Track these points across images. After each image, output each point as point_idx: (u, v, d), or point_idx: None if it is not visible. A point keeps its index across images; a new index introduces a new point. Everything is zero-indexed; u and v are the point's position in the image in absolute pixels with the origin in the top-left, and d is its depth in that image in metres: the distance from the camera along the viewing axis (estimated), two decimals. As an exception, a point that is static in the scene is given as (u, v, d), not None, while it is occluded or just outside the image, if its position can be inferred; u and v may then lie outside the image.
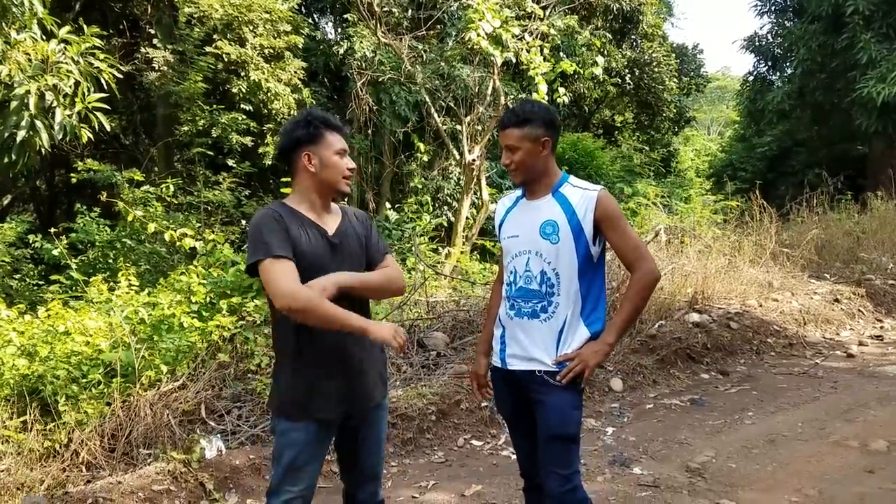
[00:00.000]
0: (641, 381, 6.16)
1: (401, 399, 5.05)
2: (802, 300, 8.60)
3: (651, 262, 2.63)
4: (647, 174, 16.99)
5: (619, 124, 22.65)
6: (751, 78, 20.79)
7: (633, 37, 19.94)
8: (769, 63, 20.11)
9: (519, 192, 2.80)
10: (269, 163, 11.94)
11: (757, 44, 19.73)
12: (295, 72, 12.29)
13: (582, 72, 11.11)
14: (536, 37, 9.53)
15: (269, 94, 11.72)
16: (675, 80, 20.56)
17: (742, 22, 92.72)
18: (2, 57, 5.27)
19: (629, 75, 18.95)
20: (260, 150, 11.90)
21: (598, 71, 10.13)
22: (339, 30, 15.54)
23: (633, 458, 4.66)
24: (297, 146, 2.54)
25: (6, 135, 5.27)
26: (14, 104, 5.13)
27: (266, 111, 11.97)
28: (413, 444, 4.84)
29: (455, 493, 4.20)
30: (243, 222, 11.04)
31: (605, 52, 14.96)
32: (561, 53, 12.91)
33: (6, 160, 5.31)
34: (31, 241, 8.46)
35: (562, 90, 9.52)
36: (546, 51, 9.33)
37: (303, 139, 2.53)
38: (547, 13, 10.13)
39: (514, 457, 4.68)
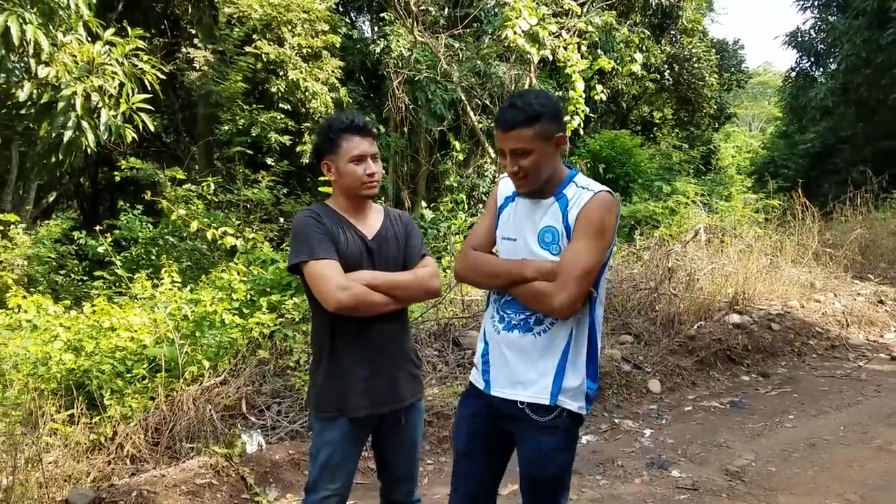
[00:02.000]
0: (680, 383, 6.09)
1: (437, 397, 5.07)
2: (846, 301, 8.42)
3: (568, 299, 2.13)
4: (686, 172, 16.72)
5: (657, 121, 22.36)
6: (793, 74, 20.42)
7: (672, 32, 19.66)
8: (812, 59, 19.73)
9: (511, 188, 2.40)
10: (307, 161, 12.05)
11: (799, 39, 19.37)
12: (332, 71, 12.38)
13: (620, 68, 11.00)
14: (574, 34, 9.46)
15: (306, 93, 11.82)
16: (715, 75, 20.22)
17: (784, 17, 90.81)
18: (49, 59, 5.41)
19: (668, 71, 18.69)
20: (298, 149, 12.02)
21: (636, 68, 10.03)
22: (376, 28, 15.62)
23: (672, 461, 4.61)
24: (319, 155, 2.62)
25: (53, 135, 5.41)
26: (61, 105, 5.26)
27: (304, 110, 12.08)
28: (449, 442, 4.85)
29: (491, 492, 4.19)
30: (281, 220, 11.18)
31: (644, 48, 14.78)
32: (599, 50, 12.78)
33: (53, 159, 5.46)
34: (75, 238, 8.68)
35: (599, 87, 9.45)
36: (583, 48, 9.27)
37: (322, 149, 2.59)
38: (584, 10, 10.05)
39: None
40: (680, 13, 18.73)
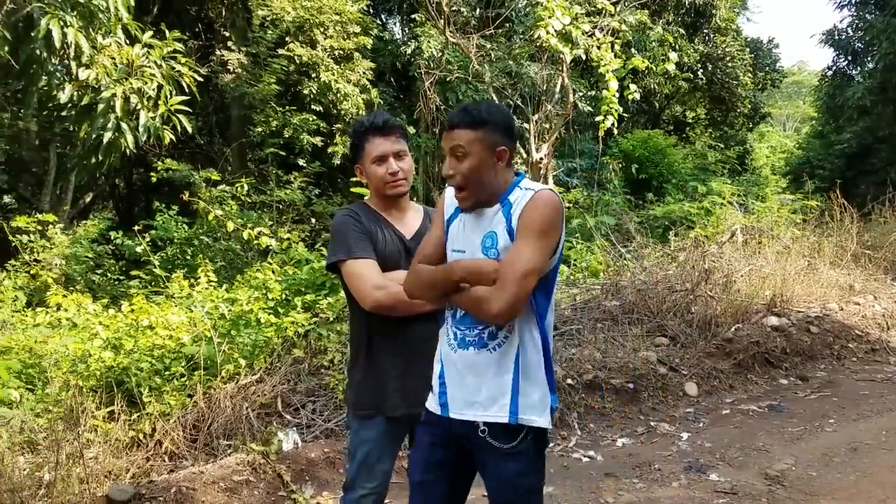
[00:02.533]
0: (717, 386, 6.00)
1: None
2: (886, 304, 8.23)
3: (506, 302, 1.99)
4: (721, 172, 16.51)
5: (690, 120, 22.12)
6: (829, 73, 20.10)
7: (705, 31, 19.44)
8: (849, 57, 19.38)
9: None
10: (338, 162, 12.13)
11: (836, 37, 19.04)
12: (364, 72, 12.44)
13: (654, 67, 10.90)
14: (607, 33, 9.39)
15: (338, 94, 11.89)
16: (749, 75, 19.95)
17: (820, 15, 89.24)
18: (89, 61, 5.50)
19: (701, 70, 18.48)
20: (329, 150, 12.09)
21: (671, 67, 9.93)
22: (406, 30, 15.66)
23: (710, 465, 4.56)
24: (352, 161, 2.67)
25: (93, 136, 5.51)
26: (101, 107, 5.36)
27: (335, 111, 12.16)
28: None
29: (526, 494, 4.17)
30: (313, 220, 11.27)
31: (677, 46, 14.64)
32: (632, 49, 12.69)
33: (93, 160, 5.56)
34: (112, 238, 8.83)
35: (633, 86, 9.36)
36: (617, 47, 9.20)
37: (351, 154, 2.64)
38: (618, 9, 9.97)
39: (585, 459, 4.68)
40: (713, 12, 18.52)
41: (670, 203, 11.76)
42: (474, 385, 2.12)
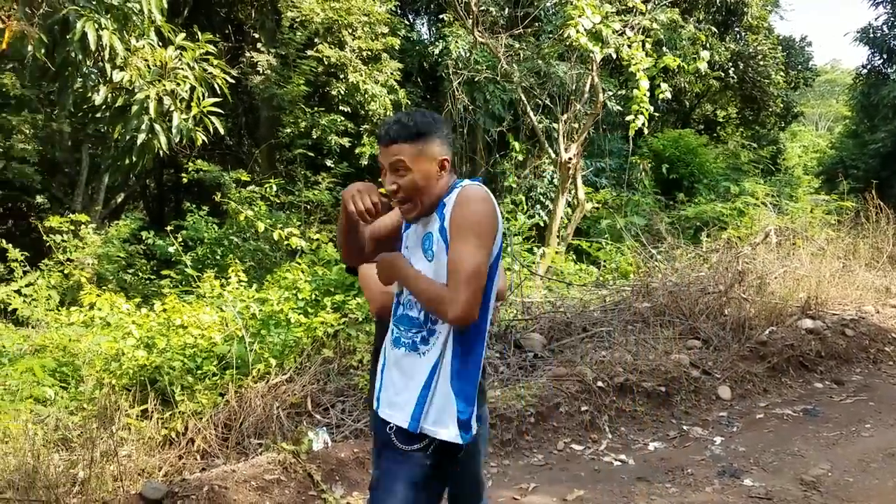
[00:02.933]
0: (751, 390, 5.90)
1: (499, 399, 5.03)
2: (924, 307, 8.05)
3: (462, 307, 1.96)
4: (753, 172, 16.28)
5: (721, 119, 21.86)
6: (864, 71, 19.74)
7: (736, 29, 19.19)
8: (884, 55, 19.06)
9: None
10: (366, 163, 12.17)
11: (871, 35, 18.74)
12: (391, 73, 12.47)
13: (686, 66, 10.77)
14: (638, 32, 9.31)
15: (366, 95, 11.93)
16: (781, 73, 19.65)
17: (854, 13, 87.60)
18: (123, 63, 5.57)
19: (733, 69, 18.24)
20: (357, 151, 12.14)
21: (702, 66, 9.79)
22: (434, 30, 15.67)
23: (744, 470, 4.48)
24: None
25: (127, 137, 5.57)
26: (135, 108, 5.42)
27: (363, 112, 12.20)
28: (512, 445, 4.81)
29: (557, 497, 4.14)
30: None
31: (708, 45, 14.48)
32: (663, 48, 12.57)
33: (127, 161, 5.62)
34: (143, 238, 8.95)
35: (664, 85, 9.26)
36: (648, 45, 9.10)
37: None
38: (648, 7, 9.87)
39: (616, 463, 4.63)
40: (745, 10, 18.27)
41: (702, 203, 11.63)
42: (398, 386, 2.13)
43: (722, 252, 7.60)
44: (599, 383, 5.28)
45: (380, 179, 2.20)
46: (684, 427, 5.19)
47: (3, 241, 7.55)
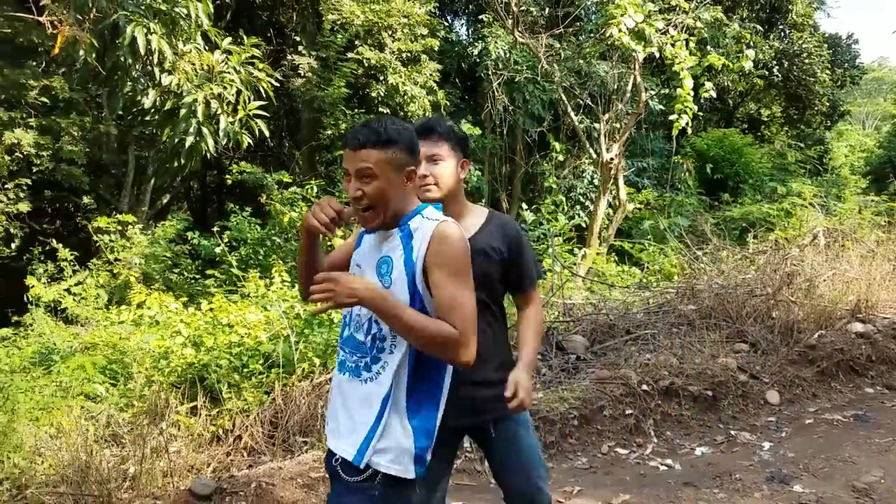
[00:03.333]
0: (800, 395, 5.78)
1: (542, 402, 5.00)
2: (979, 310, 7.78)
3: (471, 349, 1.98)
4: (799, 172, 15.94)
5: (765, 118, 21.46)
6: (915, 68, 19.13)
7: (781, 27, 18.82)
8: (936, 51, 18.44)
9: None
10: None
11: (922, 31, 18.15)
12: (430, 74, 12.49)
13: (730, 65, 10.60)
14: (681, 30, 9.19)
15: (405, 96, 11.97)
16: (827, 71, 19.21)
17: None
18: (171, 67, 5.67)
19: (777, 67, 17.89)
20: (395, 152, 12.17)
21: (748, 64, 9.61)
22: (473, 30, 15.66)
23: (793, 476, 4.39)
24: None
25: (175, 140, 5.67)
26: (183, 112, 5.52)
27: (402, 113, 12.24)
28: (556, 448, 4.78)
29: (601, 501, 4.10)
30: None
31: (753, 43, 14.23)
32: (707, 47, 12.38)
33: (175, 164, 5.72)
34: (188, 238, 9.10)
35: (708, 84, 9.12)
36: (691, 44, 8.98)
37: None
38: (692, 5, 9.73)
39: (662, 468, 4.56)
40: (790, 7, 17.92)
41: (747, 204, 11.41)
42: (345, 416, 2.03)
43: (769, 254, 7.45)
44: (644, 386, 5.22)
45: (340, 188, 2.22)
46: (732, 432, 5.10)
47: (53, 240, 7.75)
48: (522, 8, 11.66)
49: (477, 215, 2.52)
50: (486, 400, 2.48)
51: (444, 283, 1.96)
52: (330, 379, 4.82)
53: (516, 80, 12.64)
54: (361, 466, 1.97)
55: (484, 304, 2.44)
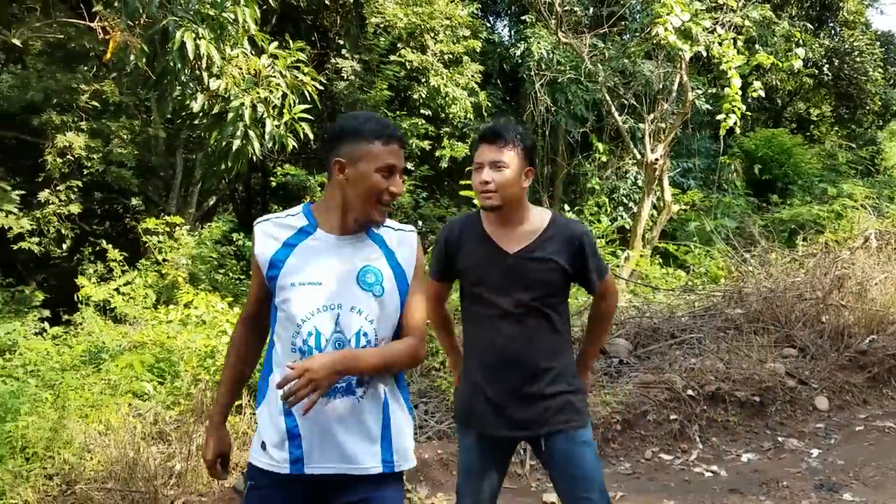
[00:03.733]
0: (850, 401, 5.63)
1: (585, 405, 4.96)
2: None
3: (424, 347, 2.07)
4: (850, 173, 15.52)
5: (815, 118, 20.95)
6: (971, 65, 18.50)
7: (831, 25, 18.35)
8: None
9: (300, 222, 2.03)
10: (445, 166, 12.23)
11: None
12: (472, 76, 12.48)
13: (779, 64, 10.36)
14: (729, 29, 9.02)
15: (447, 98, 11.98)
16: (879, 70, 18.64)
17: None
18: (219, 72, 5.77)
19: (827, 66, 17.43)
20: (437, 154, 12.21)
21: (797, 63, 9.39)
22: (515, 31, 15.61)
23: (843, 484, 4.29)
24: None
25: (223, 143, 5.77)
26: (231, 116, 5.61)
27: (443, 115, 12.26)
28: (598, 452, 4.72)
29: (645, 507, 4.06)
30: (420, 223, 11.43)
31: (802, 41, 13.91)
32: (755, 45, 12.13)
33: (223, 166, 5.82)
34: (234, 239, 9.25)
35: (756, 83, 8.94)
36: (739, 43, 8.81)
37: None
38: (740, 4, 9.55)
39: (707, 474, 4.49)
40: (841, 4, 17.45)
41: (797, 205, 11.15)
42: (346, 436, 1.93)
43: (819, 256, 7.25)
44: (689, 391, 5.14)
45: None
46: (779, 438, 5.00)
47: (103, 241, 7.95)
48: (566, 8, 11.58)
49: (538, 221, 2.48)
50: (539, 414, 2.43)
51: (416, 289, 2.05)
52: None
53: (559, 80, 12.55)
54: (392, 472, 1.98)
55: (537, 311, 2.42)
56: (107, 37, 5.45)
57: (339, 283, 1.95)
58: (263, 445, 1.97)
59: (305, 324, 1.92)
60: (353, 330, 1.94)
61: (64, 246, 9.41)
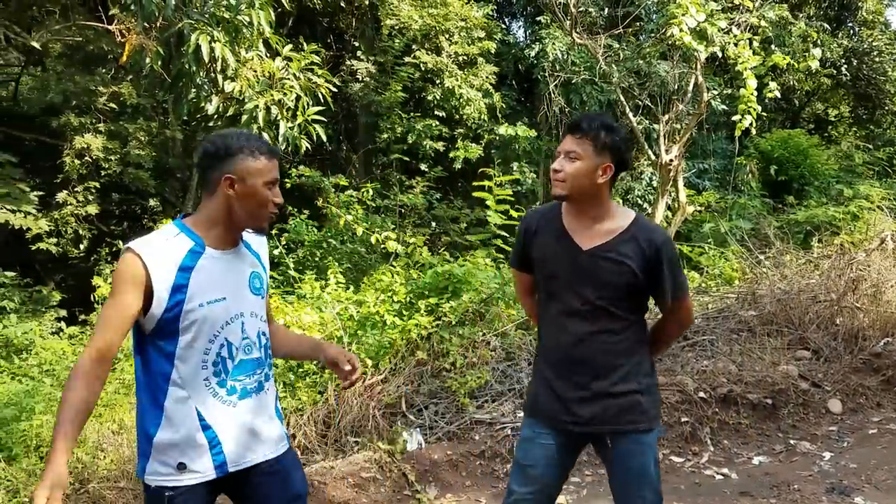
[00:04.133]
0: (863, 404, 5.57)
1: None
2: None
3: None
4: (868, 174, 15.35)
5: (832, 119, 20.75)
6: None
7: (849, 24, 18.17)
8: None
9: (186, 243, 2.06)
10: (459, 166, 12.25)
11: None
12: (487, 77, 12.50)
13: (796, 64, 10.28)
14: (745, 29, 8.97)
15: (461, 99, 12.00)
16: (899, 70, 18.45)
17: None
18: (234, 74, 5.83)
19: (845, 66, 17.26)
20: (451, 155, 12.23)
21: (814, 64, 9.31)
22: (530, 32, 15.60)
23: (855, 487, 4.24)
24: None
25: (237, 145, 5.81)
26: (245, 118, 5.67)
27: (458, 116, 12.28)
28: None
29: (655, 509, 4.04)
30: (433, 224, 11.46)
31: (820, 41, 13.79)
32: (772, 46, 12.04)
33: (236, 168, 5.86)
34: (249, 240, 9.31)
35: (772, 84, 8.87)
36: (755, 43, 8.75)
37: None
38: (756, 4, 9.49)
39: (718, 477, 4.47)
40: (860, 4, 17.27)
41: (813, 207, 11.04)
42: (262, 426, 2.16)
43: (834, 258, 7.18)
44: (701, 394, 5.11)
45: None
46: (791, 441, 4.96)
47: (120, 242, 8.04)
48: (581, 9, 11.56)
49: (618, 220, 2.40)
50: (604, 411, 2.39)
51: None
52: (382, 380, 4.92)
53: (574, 81, 12.53)
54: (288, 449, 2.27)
55: (604, 310, 2.37)
56: (124, 39, 5.53)
57: (237, 294, 2.11)
58: (182, 466, 2.04)
59: (218, 338, 2.06)
60: (255, 332, 2.15)
61: (81, 246, 9.54)
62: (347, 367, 2.31)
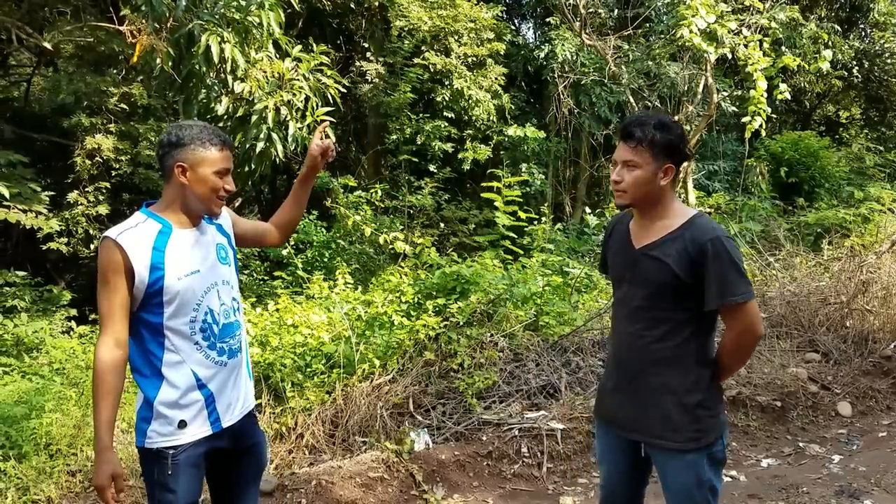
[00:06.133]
0: (873, 407, 5.54)
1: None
2: None
3: None
4: (879, 176, 15.26)
5: (844, 121, 20.63)
6: None
7: (861, 26, 18.07)
8: None
9: (155, 226, 2.23)
10: (468, 168, 12.25)
11: None
12: (496, 78, 12.50)
13: (806, 66, 10.24)
14: (755, 31, 8.94)
15: (470, 101, 12.00)
16: (911, 72, 18.32)
17: None
18: (244, 75, 5.85)
19: (857, 68, 17.16)
20: (459, 156, 12.24)
21: (825, 65, 9.27)
22: (539, 33, 15.60)
23: (864, 490, 4.22)
24: None
25: (247, 146, 5.85)
26: (254, 118, 5.69)
27: (466, 117, 12.28)
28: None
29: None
30: (442, 225, 11.47)
31: (831, 43, 13.72)
32: (782, 47, 11.99)
33: (247, 169, 5.90)
34: (258, 241, 9.33)
35: (783, 86, 8.83)
36: (766, 45, 8.72)
37: None
38: (766, 5, 9.45)
39: (727, 479, 4.44)
40: (871, 6, 17.16)
41: (823, 209, 10.99)
42: (245, 382, 2.44)
43: (844, 260, 7.15)
44: (709, 395, 5.09)
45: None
46: (800, 444, 4.94)
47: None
48: (590, 10, 11.55)
49: (675, 219, 2.31)
50: (635, 419, 2.35)
51: (245, 223, 2.63)
52: (390, 381, 4.92)
53: (583, 82, 12.52)
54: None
55: (649, 313, 2.30)
56: (134, 40, 5.55)
57: (209, 265, 2.30)
58: (182, 424, 2.23)
59: (200, 306, 2.25)
60: (230, 298, 2.35)
61: (92, 246, 9.56)
62: (319, 140, 2.60)
